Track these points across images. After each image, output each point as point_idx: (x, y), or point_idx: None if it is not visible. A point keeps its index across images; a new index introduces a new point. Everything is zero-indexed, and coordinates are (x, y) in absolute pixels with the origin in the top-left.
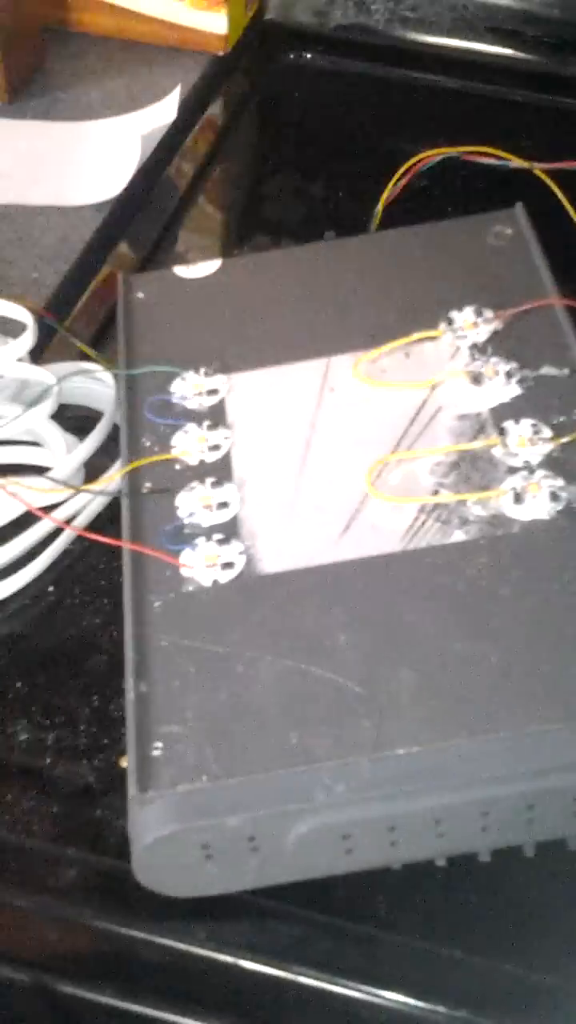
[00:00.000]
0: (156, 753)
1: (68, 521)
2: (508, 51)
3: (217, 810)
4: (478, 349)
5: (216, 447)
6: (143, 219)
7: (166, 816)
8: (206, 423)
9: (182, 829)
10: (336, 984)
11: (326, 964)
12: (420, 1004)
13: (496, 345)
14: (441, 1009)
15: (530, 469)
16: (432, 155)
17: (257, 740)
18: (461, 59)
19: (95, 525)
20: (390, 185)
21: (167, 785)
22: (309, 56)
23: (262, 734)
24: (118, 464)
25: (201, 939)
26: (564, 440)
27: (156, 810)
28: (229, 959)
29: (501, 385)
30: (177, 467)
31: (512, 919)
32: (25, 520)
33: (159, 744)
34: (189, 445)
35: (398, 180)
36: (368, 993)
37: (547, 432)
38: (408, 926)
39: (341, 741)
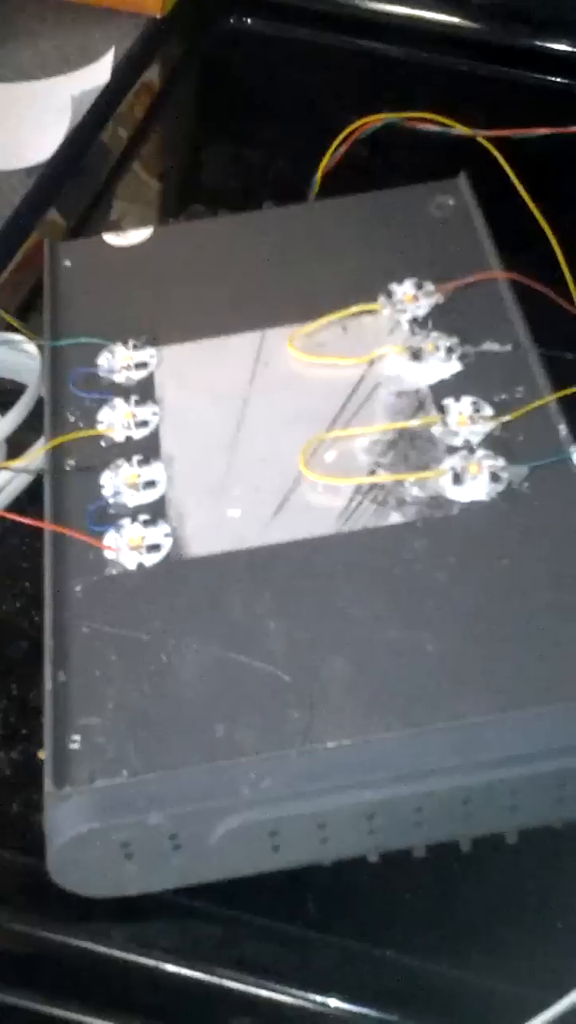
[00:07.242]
0: (74, 746)
1: None
2: (453, 19)
3: (137, 807)
4: (418, 323)
5: (144, 423)
6: (75, 185)
7: (83, 813)
8: (134, 398)
9: (100, 827)
10: (263, 987)
11: (253, 966)
12: (351, 1007)
13: (437, 319)
14: (372, 1012)
15: (470, 448)
16: (372, 121)
17: (180, 732)
18: (405, 26)
19: (17, 504)
20: (329, 152)
21: (85, 780)
22: (249, 20)
23: (186, 726)
24: (41, 440)
25: (121, 941)
26: (505, 419)
27: (73, 807)
28: (151, 962)
29: (441, 361)
30: (102, 444)
31: (447, 918)
32: None
33: (77, 737)
34: (115, 421)
35: (337, 147)
36: (297, 996)
37: (488, 410)
38: (339, 925)
39: (269, 733)
